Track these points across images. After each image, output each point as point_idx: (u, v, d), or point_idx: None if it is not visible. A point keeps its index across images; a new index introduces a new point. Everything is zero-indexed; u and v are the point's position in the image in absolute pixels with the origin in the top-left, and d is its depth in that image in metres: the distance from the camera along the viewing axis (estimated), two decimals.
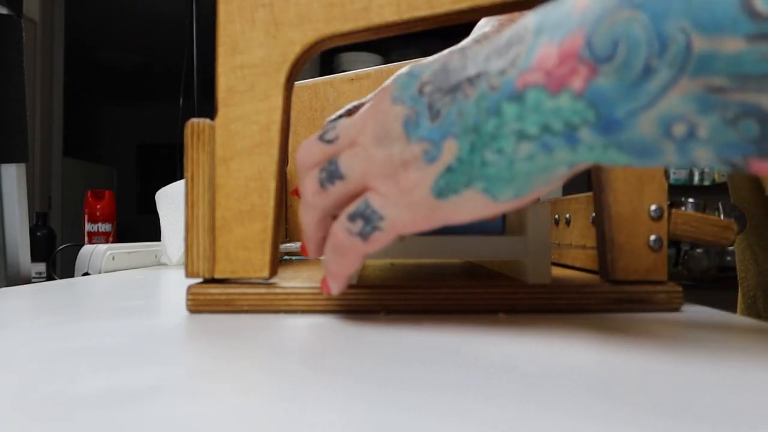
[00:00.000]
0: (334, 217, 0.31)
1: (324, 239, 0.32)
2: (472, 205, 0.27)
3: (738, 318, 0.35)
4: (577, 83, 0.23)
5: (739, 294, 0.61)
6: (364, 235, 0.28)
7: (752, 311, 0.59)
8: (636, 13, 0.21)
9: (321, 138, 0.31)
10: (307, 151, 0.31)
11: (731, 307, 0.60)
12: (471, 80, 0.25)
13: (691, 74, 0.20)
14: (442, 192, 0.26)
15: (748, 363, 0.23)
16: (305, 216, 0.31)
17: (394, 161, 0.27)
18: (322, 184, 0.29)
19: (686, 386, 0.20)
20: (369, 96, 0.31)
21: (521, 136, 0.24)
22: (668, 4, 0.20)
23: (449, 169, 0.26)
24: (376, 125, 0.28)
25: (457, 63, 0.27)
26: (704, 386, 0.20)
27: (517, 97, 0.24)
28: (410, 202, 0.27)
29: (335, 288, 0.31)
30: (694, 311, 0.35)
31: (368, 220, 0.28)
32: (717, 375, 0.21)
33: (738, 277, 0.61)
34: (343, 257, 0.29)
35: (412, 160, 0.27)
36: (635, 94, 0.22)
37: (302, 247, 0.34)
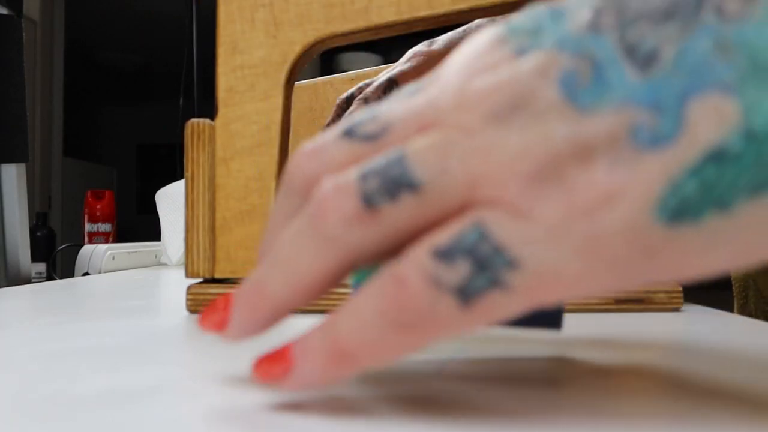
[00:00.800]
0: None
1: (314, 295, 0.17)
2: (748, 237, 0.13)
3: (738, 318, 0.35)
4: None
5: (734, 295, 0.61)
6: (466, 294, 0.14)
7: (745, 312, 0.59)
8: None
9: (349, 133, 0.17)
10: (316, 157, 0.17)
11: (731, 307, 0.60)
12: None
13: None
14: (684, 209, 0.13)
15: (748, 363, 0.23)
16: (310, 256, 0.16)
17: (555, 147, 0.14)
18: (370, 201, 0.15)
19: (686, 386, 0.20)
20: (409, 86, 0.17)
21: None
22: None
23: (715, 158, 0.13)
24: (493, 90, 0.15)
25: None
26: (704, 386, 0.20)
27: None
28: (595, 231, 0.14)
29: (308, 380, 0.16)
30: (694, 311, 0.35)
31: (484, 264, 0.14)
32: (717, 375, 0.21)
33: (732, 279, 0.61)
34: (407, 332, 0.15)
35: (603, 144, 0.14)
36: None
37: (219, 306, 0.18)
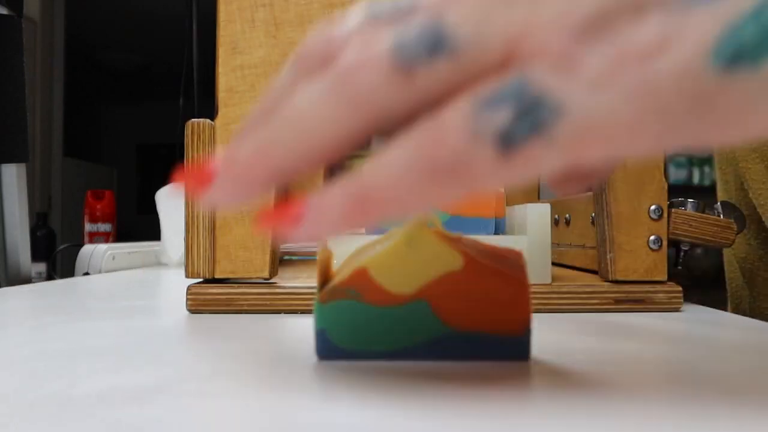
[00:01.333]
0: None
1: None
2: None
3: (737, 318, 0.35)
4: None
5: (728, 296, 0.61)
6: (506, 141, 0.13)
7: (739, 313, 0.59)
8: None
9: (377, 15, 0.15)
10: (338, 35, 0.15)
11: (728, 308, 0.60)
12: None
13: None
14: (741, 53, 0.12)
15: (747, 363, 0.23)
16: (331, 115, 0.15)
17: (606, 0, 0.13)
18: (405, 62, 0.14)
19: (686, 386, 0.20)
20: None
21: None
22: None
23: None
24: None
25: None
26: (704, 386, 0.20)
27: None
28: (646, 77, 0.13)
29: (329, 229, 0.15)
30: (694, 311, 0.35)
31: (527, 110, 0.13)
32: (717, 375, 0.21)
33: (726, 278, 0.60)
34: (439, 180, 0.14)
35: None
36: None
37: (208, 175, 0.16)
